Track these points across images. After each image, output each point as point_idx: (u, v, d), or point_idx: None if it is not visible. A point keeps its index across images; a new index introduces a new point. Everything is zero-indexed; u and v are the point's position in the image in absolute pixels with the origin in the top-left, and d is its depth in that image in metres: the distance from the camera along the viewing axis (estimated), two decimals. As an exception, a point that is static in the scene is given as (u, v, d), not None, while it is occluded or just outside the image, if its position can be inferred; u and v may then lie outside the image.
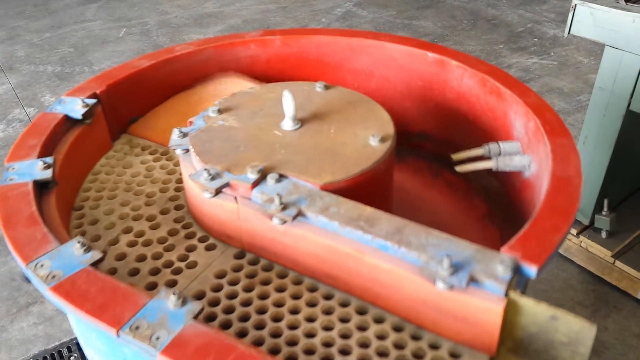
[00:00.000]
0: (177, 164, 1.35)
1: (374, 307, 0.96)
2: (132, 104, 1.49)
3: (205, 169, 1.06)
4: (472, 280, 0.84)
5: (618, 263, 2.31)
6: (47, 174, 1.09)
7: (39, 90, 4.04)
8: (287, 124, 1.20)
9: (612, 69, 2.15)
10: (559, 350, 0.85)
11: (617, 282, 2.33)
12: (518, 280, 0.86)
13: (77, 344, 2.20)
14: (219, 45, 1.63)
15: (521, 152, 1.28)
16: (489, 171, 1.38)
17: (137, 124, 1.50)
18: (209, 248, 1.10)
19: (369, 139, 1.15)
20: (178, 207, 1.22)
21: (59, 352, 2.17)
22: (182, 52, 1.58)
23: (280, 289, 1.00)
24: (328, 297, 0.99)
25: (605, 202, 2.40)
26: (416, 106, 1.62)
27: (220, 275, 1.04)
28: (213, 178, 1.05)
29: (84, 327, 1.01)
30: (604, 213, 2.41)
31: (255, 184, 1.04)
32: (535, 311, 0.83)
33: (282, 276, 1.03)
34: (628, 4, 2.06)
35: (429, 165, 1.64)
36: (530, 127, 1.24)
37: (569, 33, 2.16)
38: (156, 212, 1.20)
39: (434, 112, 1.59)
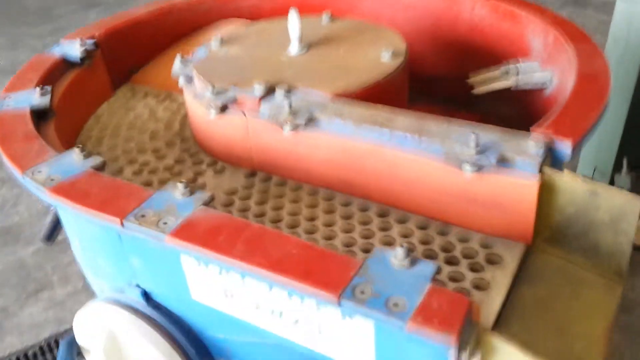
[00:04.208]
0: (180, 104, 1.30)
1: (395, 210, 0.90)
2: (133, 51, 1.44)
3: (210, 86, 1.00)
4: (502, 160, 0.78)
5: (640, 222, 2.22)
6: (45, 100, 1.04)
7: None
8: (294, 48, 1.14)
9: (624, 28, 2.08)
10: (600, 231, 0.78)
11: (641, 241, 2.24)
12: (552, 162, 0.80)
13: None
14: (220, -5, 1.59)
15: (540, 70, 1.22)
16: (506, 102, 1.32)
17: (138, 74, 1.45)
18: (218, 171, 1.05)
19: (381, 55, 1.09)
20: (184, 140, 1.16)
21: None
22: (182, 2, 1.53)
23: (295, 201, 0.95)
24: (346, 205, 0.93)
25: (625, 160, 2.32)
26: (426, 48, 1.57)
27: (232, 192, 0.98)
28: (218, 94, 1.00)
29: (88, 250, 0.95)
30: (623, 172, 2.33)
31: (264, 97, 0.99)
32: (573, 187, 0.77)
33: (296, 189, 0.97)
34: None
35: (443, 109, 1.58)
36: (549, 40, 1.19)
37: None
38: (161, 144, 1.15)
39: (445, 51, 1.54)
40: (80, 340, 1.00)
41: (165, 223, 0.71)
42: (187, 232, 0.69)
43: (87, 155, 0.85)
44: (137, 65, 1.47)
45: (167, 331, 0.87)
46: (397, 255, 0.62)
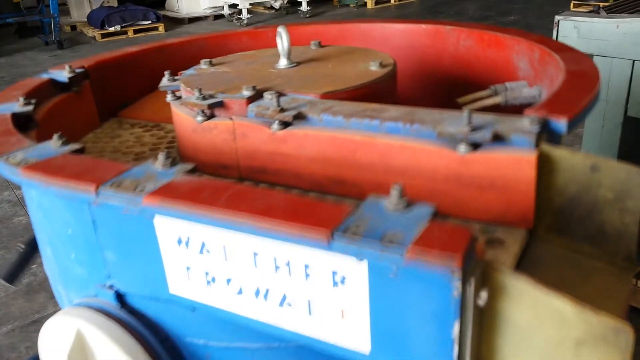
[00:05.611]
0: (168, 132, 1.28)
1: (389, 206, 0.85)
2: (122, 86, 1.44)
3: (197, 90, 0.99)
4: (497, 137, 0.75)
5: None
6: (28, 108, 1.01)
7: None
8: (283, 61, 1.15)
9: (604, 78, 2.12)
10: (605, 211, 0.74)
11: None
12: (548, 140, 0.77)
13: None
14: (211, 37, 1.61)
15: (528, 87, 1.22)
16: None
17: (126, 110, 1.44)
18: (204, 181, 1.00)
19: (370, 66, 1.09)
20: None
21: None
22: (174, 42, 1.56)
23: (284, 202, 0.90)
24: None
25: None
26: (414, 86, 1.58)
27: (216, 197, 0.93)
28: (205, 98, 0.98)
29: (61, 251, 0.88)
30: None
31: (251, 100, 0.97)
32: (572, 163, 0.73)
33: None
34: (609, 14, 2.09)
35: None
36: (535, 56, 1.20)
37: (555, 49, 2.17)
38: (146, 163, 1.12)
39: (433, 86, 1.55)
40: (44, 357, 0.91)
41: (143, 188, 0.66)
42: (167, 192, 0.64)
43: (66, 142, 0.81)
44: (125, 102, 1.47)
45: (142, 337, 0.79)
46: (391, 199, 0.58)
